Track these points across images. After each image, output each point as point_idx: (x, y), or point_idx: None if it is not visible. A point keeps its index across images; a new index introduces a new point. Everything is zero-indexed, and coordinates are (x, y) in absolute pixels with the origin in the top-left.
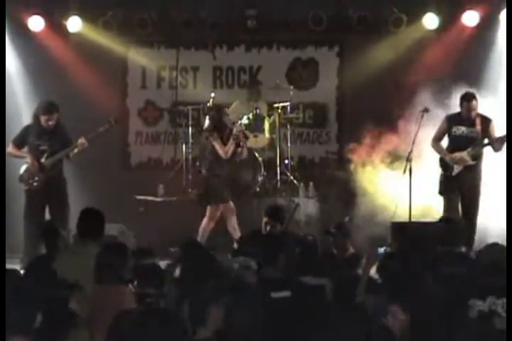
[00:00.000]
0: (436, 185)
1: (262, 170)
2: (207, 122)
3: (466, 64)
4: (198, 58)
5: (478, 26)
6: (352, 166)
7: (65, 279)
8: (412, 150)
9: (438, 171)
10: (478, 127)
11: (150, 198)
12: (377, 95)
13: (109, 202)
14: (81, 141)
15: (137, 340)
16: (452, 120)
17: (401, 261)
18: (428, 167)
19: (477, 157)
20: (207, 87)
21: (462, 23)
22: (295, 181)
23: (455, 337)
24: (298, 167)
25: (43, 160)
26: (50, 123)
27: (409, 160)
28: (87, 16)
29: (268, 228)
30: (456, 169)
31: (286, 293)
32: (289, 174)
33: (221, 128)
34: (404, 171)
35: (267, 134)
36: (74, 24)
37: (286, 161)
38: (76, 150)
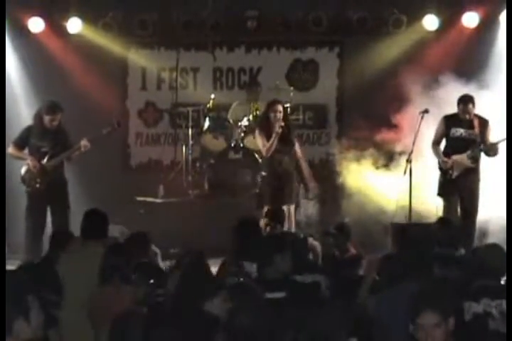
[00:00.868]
0: (437, 186)
1: (262, 171)
2: (207, 123)
3: (466, 65)
4: (198, 59)
5: (478, 27)
6: (352, 167)
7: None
8: (412, 151)
9: (438, 172)
10: (477, 129)
11: (150, 199)
12: (377, 96)
13: (110, 204)
14: (84, 142)
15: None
16: (450, 121)
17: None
18: (428, 168)
19: (476, 160)
20: (207, 88)
21: (462, 25)
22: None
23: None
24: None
25: (44, 162)
26: (54, 123)
27: (409, 161)
28: (87, 17)
29: (268, 229)
30: (456, 172)
31: (280, 294)
32: None
33: (266, 124)
34: (405, 172)
35: None
36: (74, 25)
37: None
38: (78, 152)
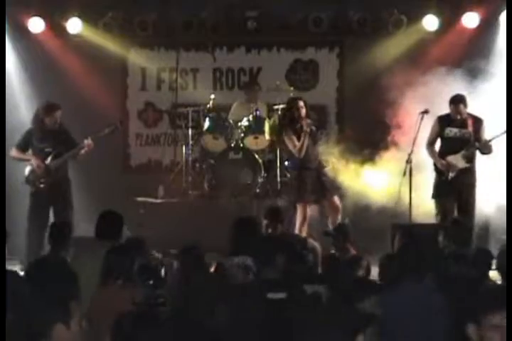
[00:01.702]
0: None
1: (263, 171)
2: (207, 123)
3: (466, 66)
4: (198, 60)
5: (479, 28)
6: (352, 168)
7: None
8: (412, 152)
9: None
10: (471, 128)
11: (150, 200)
12: (377, 97)
13: (109, 204)
14: (88, 141)
15: None
16: (444, 121)
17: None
18: (429, 168)
19: (471, 159)
20: (207, 89)
21: (462, 25)
22: None
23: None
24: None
25: (48, 161)
26: (55, 122)
27: (409, 161)
28: (87, 18)
29: (270, 230)
30: (451, 173)
31: (282, 295)
32: (289, 176)
33: (293, 123)
34: (404, 173)
35: (267, 136)
36: (74, 25)
37: (287, 163)
38: (83, 151)
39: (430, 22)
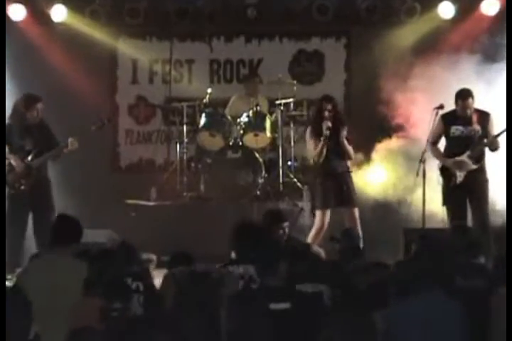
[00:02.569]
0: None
1: (263, 172)
2: (203, 119)
3: (485, 56)
4: (193, 51)
5: (498, 15)
6: (360, 167)
7: None
8: (425, 150)
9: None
10: (477, 125)
11: (142, 202)
12: (387, 90)
13: (97, 207)
14: (71, 140)
15: None
16: (448, 119)
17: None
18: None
19: (479, 159)
20: (203, 82)
21: (481, 12)
22: (299, 184)
23: None
24: (302, 168)
25: (28, 160)
26: (36, 116)
27: (422, 161)
28: (72, 5)
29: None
30: (460, 177)
31: (285, 305)
32: (292, 176)
33: (319, 125)
34: (418, 173)
35: (268, 133)
36: (58, 13)
37: (290, 162)
38: (65, 151)
39: (446, 9)
